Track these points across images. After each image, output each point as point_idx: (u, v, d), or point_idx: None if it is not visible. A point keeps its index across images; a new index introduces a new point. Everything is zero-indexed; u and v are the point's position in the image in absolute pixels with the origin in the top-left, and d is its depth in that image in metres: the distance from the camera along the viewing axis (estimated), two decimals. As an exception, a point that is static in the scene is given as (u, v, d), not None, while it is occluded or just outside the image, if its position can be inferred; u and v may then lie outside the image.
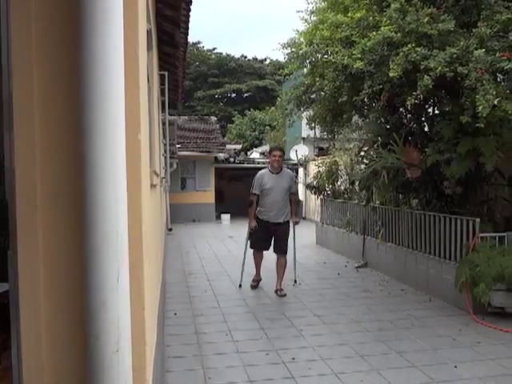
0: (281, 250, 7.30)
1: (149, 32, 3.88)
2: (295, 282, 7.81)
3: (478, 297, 5.73)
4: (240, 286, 7.61)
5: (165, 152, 11.70)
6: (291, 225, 7.42)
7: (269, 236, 7.26)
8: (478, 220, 6.22)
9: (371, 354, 4.80)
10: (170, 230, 15.49)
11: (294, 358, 4.69)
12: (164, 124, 11.10)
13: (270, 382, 4.17)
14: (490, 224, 6.70)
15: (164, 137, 11.54)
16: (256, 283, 7.62)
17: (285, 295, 7.07)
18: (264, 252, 7.57)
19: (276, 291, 7.18)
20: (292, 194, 7.32)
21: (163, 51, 8.21)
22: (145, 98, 2.84)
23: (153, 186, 3.90)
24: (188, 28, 7.28)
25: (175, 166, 16.26)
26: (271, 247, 7.47)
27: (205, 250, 11.90)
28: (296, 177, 7.86)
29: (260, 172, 7.36)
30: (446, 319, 5.95)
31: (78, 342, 1.85)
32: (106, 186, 1.68)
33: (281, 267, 7.30)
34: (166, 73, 8.68)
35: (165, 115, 10.69)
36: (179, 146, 18.17)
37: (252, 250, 7.59)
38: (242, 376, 4.28)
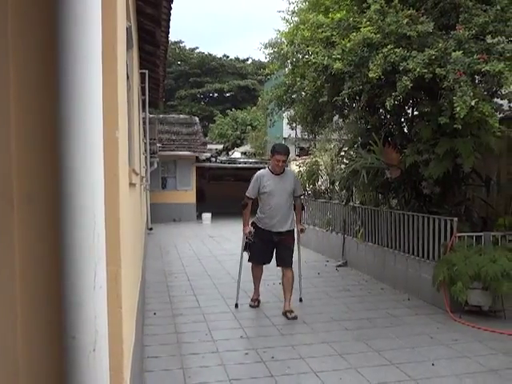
0: (285, 263, 6.30)
1: (128, 30, 3.86)
2: (300, 300, 6.79)
3: (455, 295, 5.81)
4: (236, 305, 6.50)
5: (145, 151, 11.64)
6: (296, 233, 6.47)
7: (270, 247, 6.27)
8: (455, 220, 6.30)
9: (350, 352, 4.84)
10: (151, 229, 15.42)
11: (273, 357, 4.70)
12: (145, 123, 11.05)
13: (250, 381, 4.17)
14: (467, 224, 6.80)
15: (144, 136, 11.49)
16: (256, 303, 6.60)
17: (295, 318, 6.02)
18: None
19: (285, 313, 6.11)
20: (297, 198, 6.43)
21: (144, 50, 8.16)
22: (123, 96, 2.83)
23: (132, 184, 3.88)
24: (169, 26, 7.25)
25: (156, 165, 16.18)
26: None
27: (185, 250, 11.87)
28: None
29: (259, 172, 6.39)
30: (424, 318, 6.02)
31: (55, 342, 1.83)
32: (83, 184, 1.68)
33: (288, 283, 6.27)
34: (147, 71, 8.64)
35: (145, 114, 10.63)
36: (160, 145, 18.08)
37: (249, 264, 6.59)
38: (222, 375, 4.29)
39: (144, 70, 8.62)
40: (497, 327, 5.55)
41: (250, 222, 6.42)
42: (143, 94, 9.80)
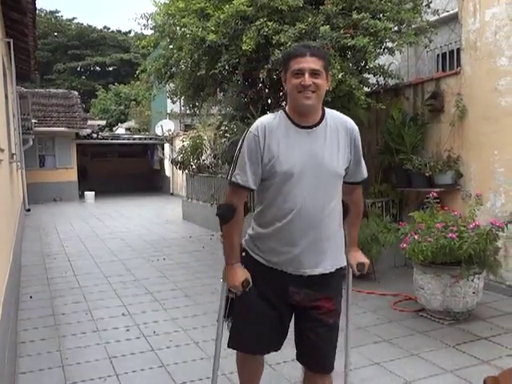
0: (319, 363, 2.54)
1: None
2: None
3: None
4: None
5: (17, 127, 10.91)
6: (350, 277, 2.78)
7: (281, 315, 2.53)
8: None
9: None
10: (28, 210, 14.62)
11: (154, 332, 4.70)
12: (17, 97, 10.35)
13: (130, 357, 4.14)
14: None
15: (16, 110, 10.77)
16: None
17: None
18: None
19: None
20: (354, 188, 2.65)
21: (9, 17, 7.61)
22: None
23: (-8, 161, 3.64)
24: (35, -8, 6.81)
25: (31, 142, 15.31)
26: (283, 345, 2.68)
27: (66, 231, 11.43)
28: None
29: (260, 123, 2.41)
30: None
31: None
32: None
33: None
34: (11, 40, 8.01)
35: (13, 87, 9.93)
36: (36, 121, 17.07)
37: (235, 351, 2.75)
38: (101, 354, 4.21)
39: (9, 39, 8.01)
40: (367, 288, 5.95)
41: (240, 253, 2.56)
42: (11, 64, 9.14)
